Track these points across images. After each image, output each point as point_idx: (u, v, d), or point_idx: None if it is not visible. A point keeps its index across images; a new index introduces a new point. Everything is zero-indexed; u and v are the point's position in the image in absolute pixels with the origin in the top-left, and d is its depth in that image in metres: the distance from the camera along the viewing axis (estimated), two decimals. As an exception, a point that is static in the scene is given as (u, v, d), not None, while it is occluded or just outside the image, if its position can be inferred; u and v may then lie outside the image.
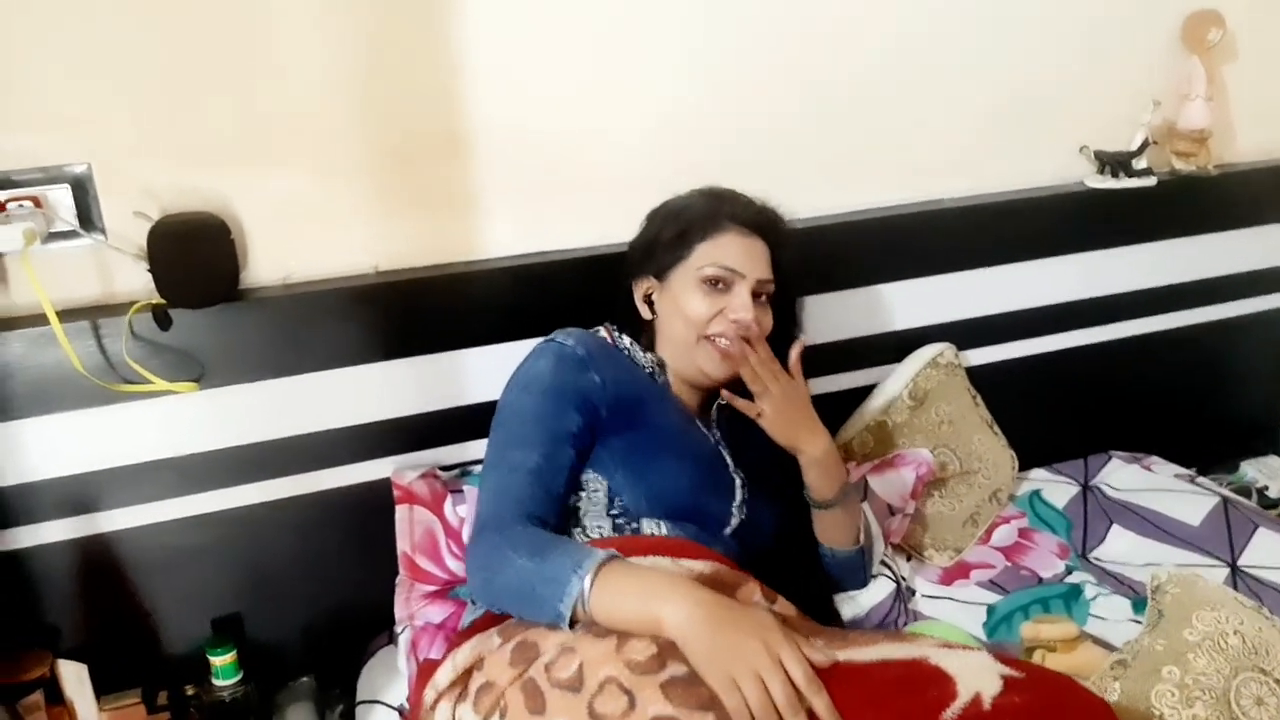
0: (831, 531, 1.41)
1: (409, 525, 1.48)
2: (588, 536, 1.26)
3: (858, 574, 1.47)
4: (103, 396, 1.34)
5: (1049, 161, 1.90)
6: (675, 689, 0.98)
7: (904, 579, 1.56)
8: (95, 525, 1.40)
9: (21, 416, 1.33)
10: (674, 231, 1.34)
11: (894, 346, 1.79)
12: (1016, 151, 1.86)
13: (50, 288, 1.29)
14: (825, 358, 1.72)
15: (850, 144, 1.73)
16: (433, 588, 1.49)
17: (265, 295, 1.43)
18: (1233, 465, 2.14)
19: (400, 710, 1.39)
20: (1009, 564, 1.67)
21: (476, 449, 1.56)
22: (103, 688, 1.36)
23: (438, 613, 1.45)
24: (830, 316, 1.70)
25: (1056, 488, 1.86)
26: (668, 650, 1.01)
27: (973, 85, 1.78)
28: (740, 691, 0.96)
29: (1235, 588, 1.53)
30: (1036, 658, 1.35)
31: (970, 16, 1.74)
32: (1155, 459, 1.95)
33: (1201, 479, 1.89)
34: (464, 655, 1.15)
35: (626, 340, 1.40)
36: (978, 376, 1.84)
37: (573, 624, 1.07)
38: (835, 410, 1.71)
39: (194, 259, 1.34)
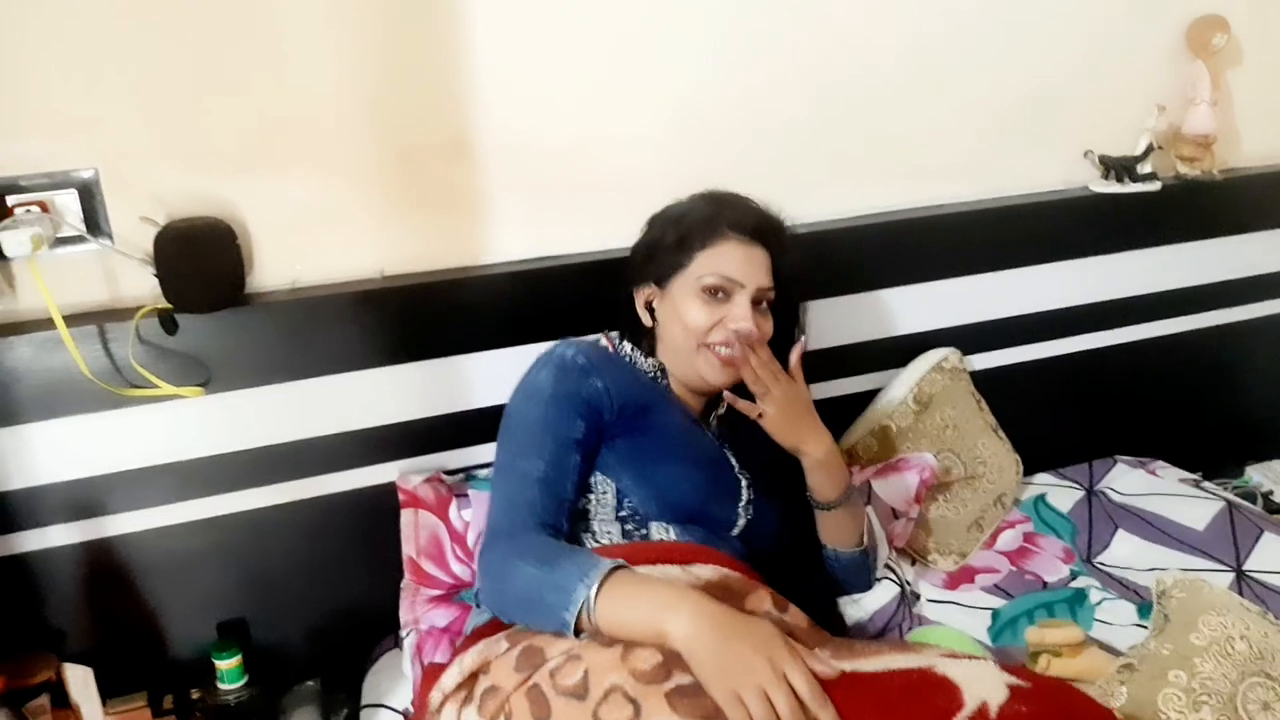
0: (835, 533, 1.41)
1: (414, 529, 1.48)
2: (597, 540, 1.26)
3: (862, 575, 1.47)
4: (109, 401, 1.34)
5: (1054, 166, 1.90)
6: (680, 698, 0.98)
7: (908, 583, 1.56)
8: (101, 529, 1.40)
9: (28, 420, 1.33)
10: (674, 239, 1.34)
11: (899, 351, 1.79)
12: (1021, 156, 1.86)
13: (57, 292, 1.29)
14: (830, 362, 1.73)
15: (855, 148, 1.73)
16: (438, 592, 1.49)
17: (271, 300, 1.43)
18: (1238, 470, 2.14)
19: (405, 714, 1.39)
20: (1014, 569, 1.67)
21: (482, 453, 1.56)
22: (108, 691, 1.36)
23: (442, 617, 1.46)
24: (835, 320, 1.71)
25: (1061, 492, 1.86)
26: (673, 660, 1.01)
27: (977, 90, 1.78)
28: (744, 705, 0.96)
29: (1240, 592, 1.53)
30: (1041, 663, 1.35)
31: (976, 23, 1.74)
32: (1160, 463, 1.95)
33: (1207, 484, 1.89)
34: (471, 658, 1.15)
35: (627, 347, 1.40)
36: (982, 381, 1.84)
37: (579, 633, 1.07)
38: (839, 415, 1.71)
39: (200, 264, 1.35)
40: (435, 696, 1.16)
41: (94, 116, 1.32)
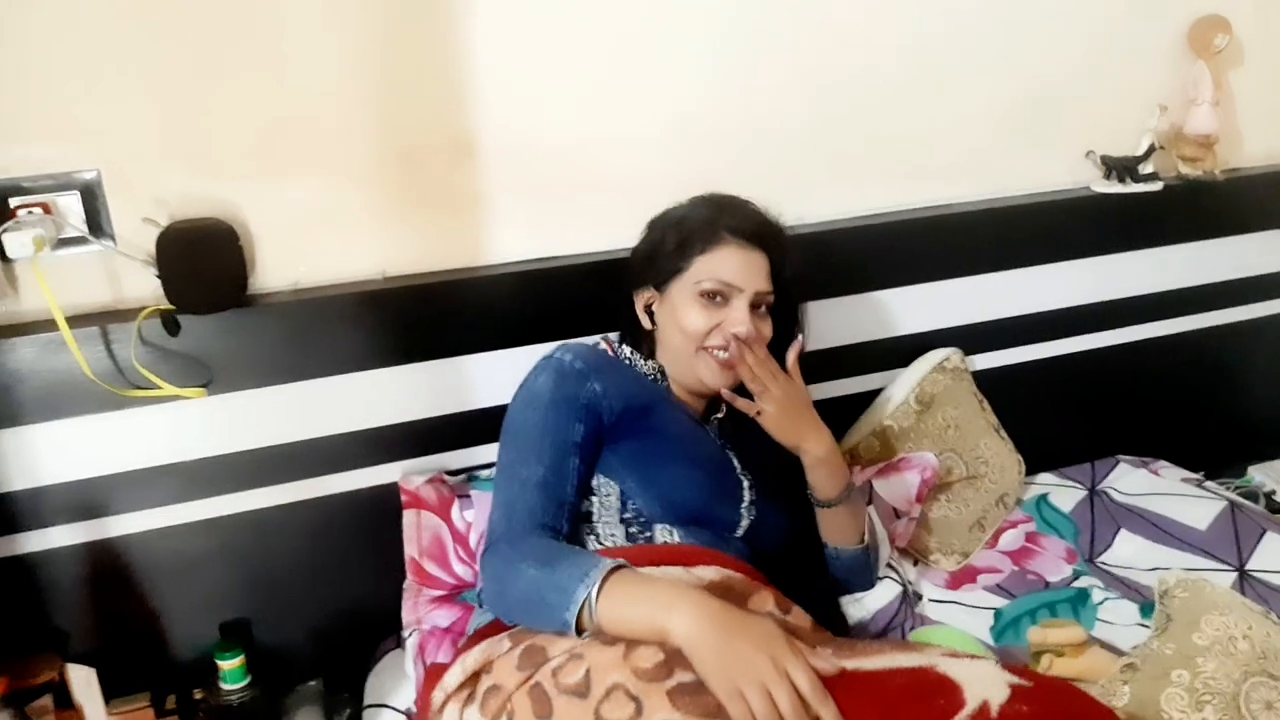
0: (836, 531, 1.41)
1: (416, 530, 1.48)
2: (601, 543, 1.26)
3: (864, 574, 1.47)
4: (112, 402, 1.34)
5: (1055, 166, 1.90)
6: (682, 696, 0.98)
7: (910, 583, 1.56)
8: (104, 530, 1.40)
9: (31, 421, 1.33)
10: (673, 243, 1.34)
11: (900, 351, 1.79)
12: (1022, 156, 1.86)
13: (60, 294, 1.29)
14: (831, 362, 1.73)
15: (856, 149, 1.73)
16: (440, 592, 1.49)
17: (274, 301, 1.43)
18: (1240, 470, 2.13)
19: (408, 714, 1.39)
20: (1016, 568, 1.67)
21: (484, 454, 1.56)
22: (111, 692, 1.37)
23: (445, 617, 1.46)
24: (837, 321, 1.70)
25: (1063, 492, 1.86)
26: (675, 657, 1.02)
27: (979, 90, 1.78)
28: (746, 702, 0.96)
29: (1243, 592, 1.52)
30: (1044, 662, 1.35)
31: (978, 23, 1.74)
32: (1162, 463, 1.95)
33: (1209, 483, 1.88)
34: (473, 658, 1.15)
35: (627, 350, 1.41)
36: (984, 381, 1.83)
37: (580, 632, 1.08)
38: (841, 415, 1.71)
39: (203, 265, 1.35)
40: (438, 696, 1.17)
41: (96, 118, 1.32)
